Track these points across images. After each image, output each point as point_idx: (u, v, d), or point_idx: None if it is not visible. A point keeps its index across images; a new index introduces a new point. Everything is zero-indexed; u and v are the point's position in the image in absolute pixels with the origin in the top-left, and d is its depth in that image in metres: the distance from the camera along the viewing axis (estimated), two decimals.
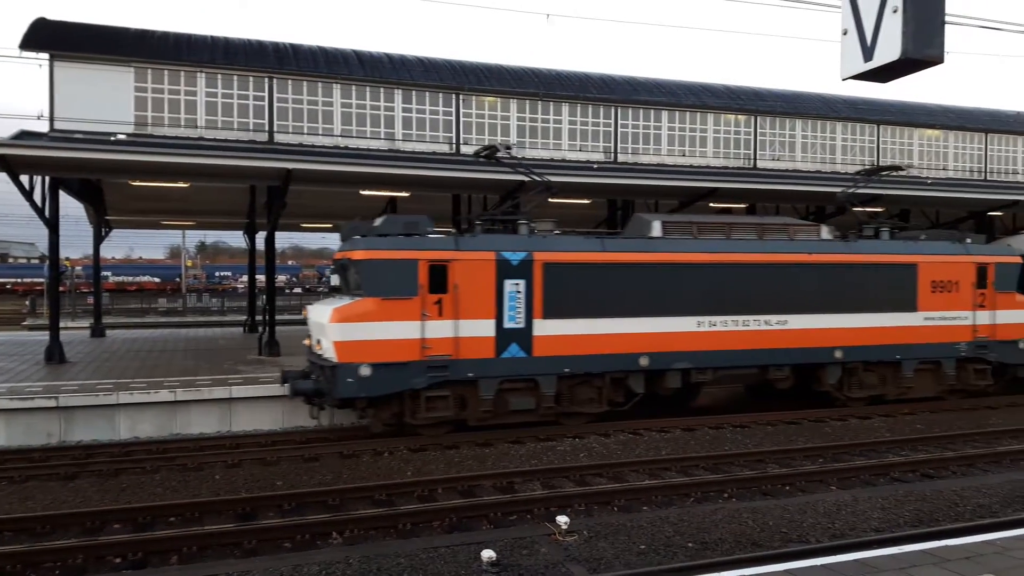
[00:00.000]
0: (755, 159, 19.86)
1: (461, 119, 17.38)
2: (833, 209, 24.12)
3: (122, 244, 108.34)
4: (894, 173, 18.06)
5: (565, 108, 18.19)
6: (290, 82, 16.24)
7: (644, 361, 15.10)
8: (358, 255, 13.60)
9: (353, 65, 17.03)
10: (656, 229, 15.60)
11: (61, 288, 14.79)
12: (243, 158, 15.87)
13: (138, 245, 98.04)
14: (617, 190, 20.41)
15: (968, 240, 18.20)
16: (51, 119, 16.37)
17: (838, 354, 16.54)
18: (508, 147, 15.04)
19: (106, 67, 15.95)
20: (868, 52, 3.97)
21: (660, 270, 15.18)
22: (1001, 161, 22.82)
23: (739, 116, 19.71)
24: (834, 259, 16.52)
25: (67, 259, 58.25)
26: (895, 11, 3.78)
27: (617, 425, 15.48)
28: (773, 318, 15.95)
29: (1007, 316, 18.15)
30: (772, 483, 11.86)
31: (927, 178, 21.62)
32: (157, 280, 71.43)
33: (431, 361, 13.70)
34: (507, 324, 14.20)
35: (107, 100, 16.03)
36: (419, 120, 17.09)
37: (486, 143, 17.51)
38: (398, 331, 13.47)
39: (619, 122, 18.68)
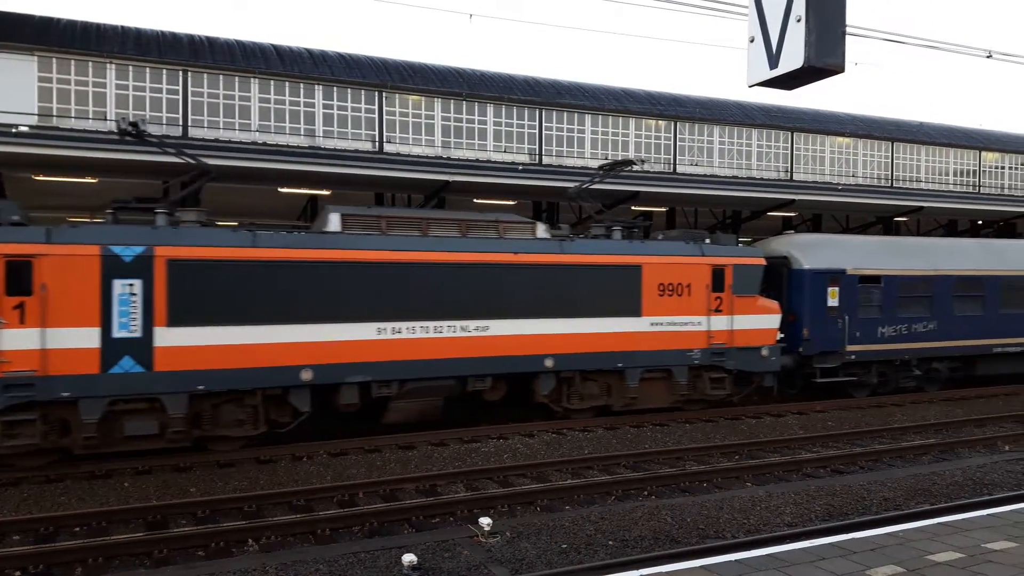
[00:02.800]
0: (675, 164, 20.30)
1: (384, 117, 17.19)
2: (748, 213, 24.87)
3: None
4: (627, 169, 16.99)
5: (490, 109, 18.21)
6: (206, 75, 15.76)
7: (307, 375, 13.23)
8: None
9: (272, 59, 16.65)
10: (334, 223, 13.83)
11: None
12: (155, 153, 15.34)
13: None
14: (542, 192, 20.54)
15: (707, 240, 17.11)
16: None
17: (549, 363, 15.14)
18: (134, 123, 12.80)
19: (6, 55, 15.17)
20: (774, 60, 4.08)
21: (332, 270, 13.44)
22: (906, 169, 23.92)
23: (659, 121, 20.11)
24: (546, 260, 15.12)
25: None
26: (799, 20, 3.90)
27: (541, 425, 15.57)
28: (472, 324, 14.44)
29: (747, 321, 17.03)
30: (690, 480, 12.12)
31: (838, 184, 22.50)
32: None
33: (8, 378, 11.46)
34: (117, 333, 12.05)
35: (7, 90, 15.26)
36: (340, 117, 16.83)
37: (410, 141, 17.41)
38: None
39: (543, 124, 18.82)
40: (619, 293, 15.73)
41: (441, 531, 9.66)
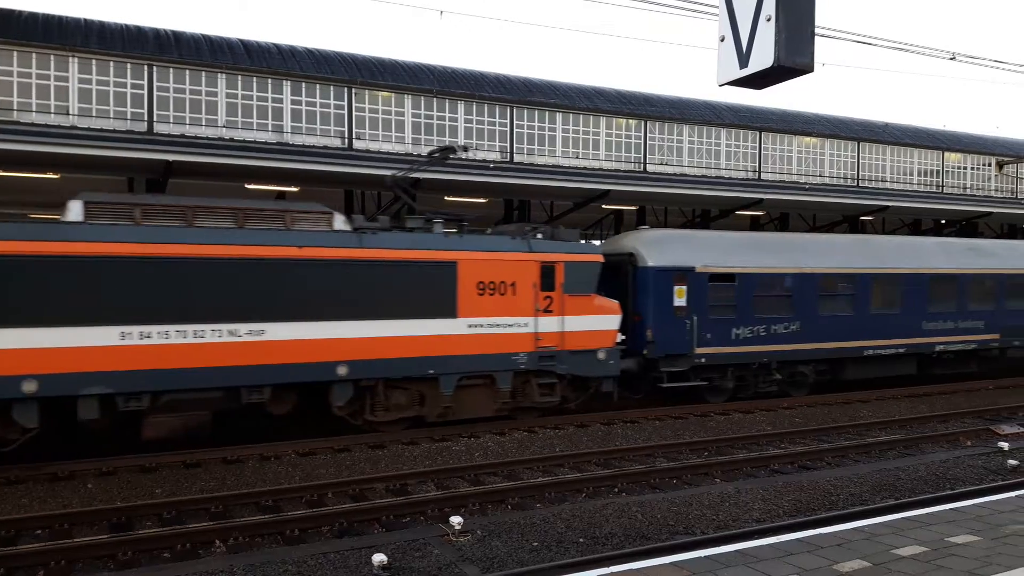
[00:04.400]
0: (645, 163, 20.41)
1: (354, 113, 17.05)
2: (716, 213, 25.09)
3: None
4: (454, 156, 15.78)
5: (461, 106, 18.16)
6: (171, 70, 15.51)
7: (31, 387, 11.46)
8: None
9: (239, 54, 16.43)
10: (75, 211, 12.08)
11: None
12: (119, 148, 15.07)
13: None
14: (513, 190, 20.53)
15: (539, 235, 15.74)
16: None
17: (342, 370, 13.56)
18: None
19: None
20: (744, 59, 4.11)
21: (63, 266, 11.70)
22: (872, 169, 24.29)
23: (630, 120, 20.20)
24: (341, 255, 13.57)
25: None
26: (769, 20, 3.92)
27: (513, 424, 15.57)
28: (244, 328, 12.74)
29: (581, 322, 15.76)
30: (660, 477, 12.20)
31: (805, 184, 22.79)
32: None
33: None
34: None
35: None
36: (309, 113, 16.66)
37: (380, 138, 17.28)
38: None
39: (515, 122, 18.81)
40: (430, 292, 14.28)
41: (411, 530, 9.61)
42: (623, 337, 16.38)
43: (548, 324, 15.43)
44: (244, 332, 12.84)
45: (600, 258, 16.12)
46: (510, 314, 15.06)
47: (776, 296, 18.51)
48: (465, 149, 15.50)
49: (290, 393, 13.65)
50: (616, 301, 16.38)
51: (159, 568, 8.39)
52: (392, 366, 14.06)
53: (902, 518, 8.05)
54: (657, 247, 17.55)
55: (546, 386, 15.74)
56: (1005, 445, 13.92)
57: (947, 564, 6.56)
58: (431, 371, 14.39)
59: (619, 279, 17.67)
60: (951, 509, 8.40)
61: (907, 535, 7.39)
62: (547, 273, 15.44)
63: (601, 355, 15.97)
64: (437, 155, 15.69)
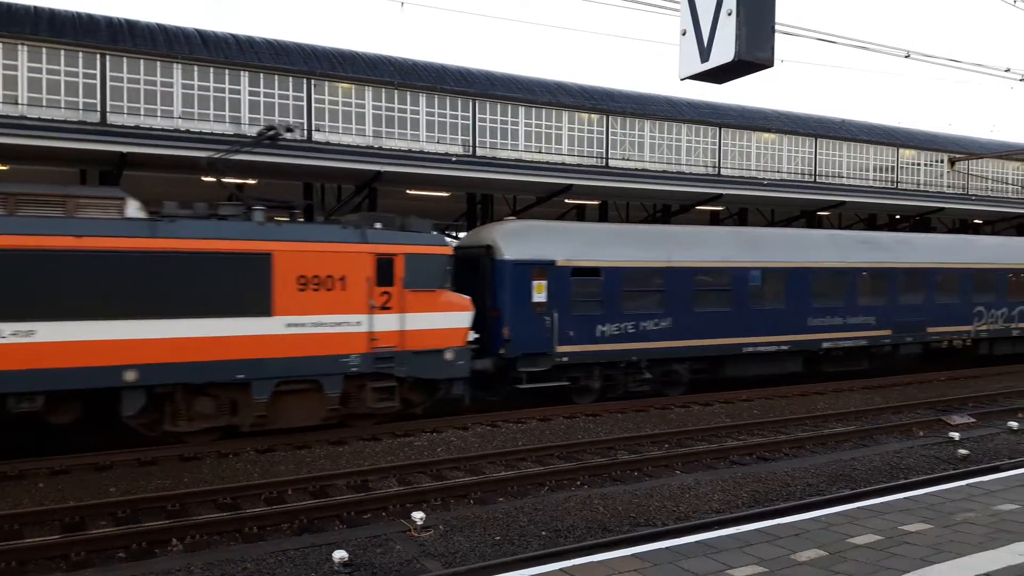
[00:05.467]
0: (607, 158, 20.49)
1: (313, 105, 16.83)
2: (677, 208, 25.32)
3: None
4: (281, 138, 14.33)
5: (422, 98, 18.02)
6: (125, 60, 15.12)
7: None
8: None
9: (195, 44, 16.10)
10: None
11: None
12: (71, 140, 14.67)
13: None
14: (476, 184, 20.46)
15: (377, 225, 14.31)
16: None
17: (131, 375, 12.04)
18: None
19: None
20: (705, 53, 4.13)
21: None
22: (829, 165, 24.69)
23: (592, 115, 20.25)
24: (130, 245, 12.07)
25: None
26: (730, 14, 3.94)
27: (475, 418, 15.54)
28: (8, 327, 11.33)
29: (425, 320, 14.44)
30: (622, 469, 12.29)
31: (764, 179, 23.08)
32: None
33: None
34: None
35: None
36: (267, 105, 16.38)
37: (340, 130, 17.08)
38: None
39: (477, 116, 18.73)
40: (239, 287, 12.81)
41: (373, 526, 9.57)
42: (476, 336, 15.23)
43: (385, 323, 14.05)
44: (8, 333, 11.35)
45: (448, 250, 14.96)
46: (339, 312, 13.63)
47: (646, 291, 17.63)
48: (290, 130, 13.87)
49: (71, 401, 12.14)
50: (468, 297, 15.24)
51: (114, 568, 8.23)
52: (192, 371, 12.53)
53: (857, 507, 8.20)
54: (515, 239, 16.59)
55: (384, 390, 14.27)
56: (956, 435, 14.28)
57: (900, 552, 6.70)
58: (240, 376, 12.85)
59: (478, 274, 16.78)
60: (904, 498, 8.59)
61: (862, 524, 7.54)
62: (384, 266, 14.07)
63: (449, 356, 14.69)
64: (267, 136, 14.10)
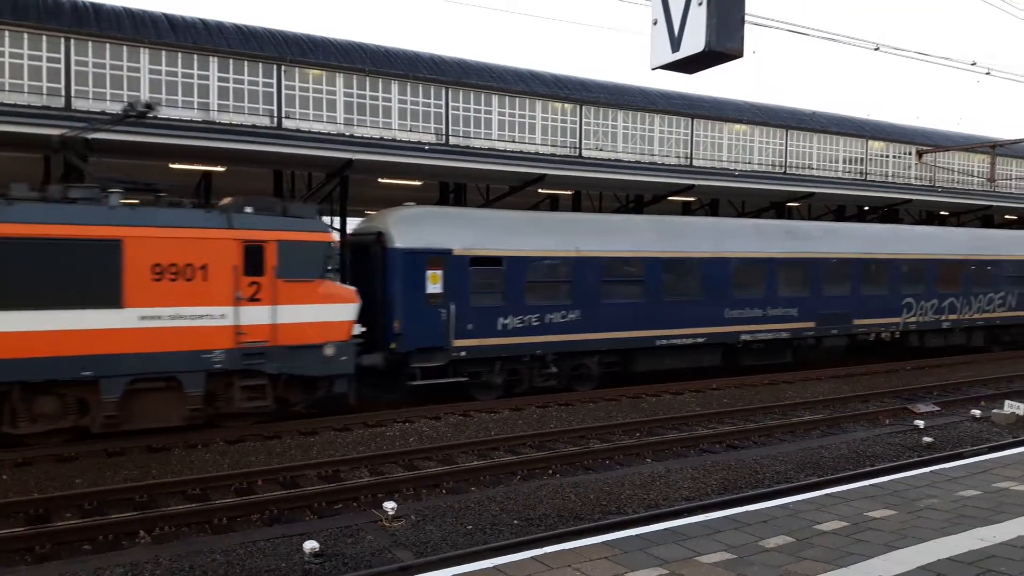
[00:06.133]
0: (580, 148, 20.49)
1: (284, 92, 16.62)
2: (650, 198, 25.42)
3: None
4: (149, 117, 12.90)
5: (394, 86, 17.87)
6: (90, 44, 14.80)
7: None
8: None
9: (163, 29, 15.80)
10: None
11: None
12: (35, 125, 14.36)
13: None
14: (448, 173, 20.36)
15: (247, 209, 13.30)
16: None
17: None
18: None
19: None
20: (676, 43, 4.13)
21: None
22: (799, 156, 24.92)
23: (566, 104, 20.24)
24: None
25: None
26: (700, 4, 3.95)
27: (447, 408, 15.53)
28: None
29: (301, 313, 13.43)
30: (593, 458, 12.36)
31: (735, 170, 23.25)
32: None
33: None
34: None
35: None
36: (237, 91, 16.14)
37: (310, 117, 16.89)
38: None
39: (450, 104, 18.62)
40: (86, 276, 11.79)
41: (344, 517, 9.54)
42: (364, 330, 14.27)
43: (254, 315, 13.01)
44: None
45: (328, 237, 13.96)
46: (200, 303, 12.58)
47: (553, 282, 16.94)
48: (149, 107, 12.54)
49: None
50: (352, 288, 14.31)
51: (80, 560, 8.13)
52: (30, 367, 11.48)
53: (824, 495, 8.32)
54: (409, 226, 15.70)
55: (254, 388, 13.30)
56: (920, 423, 14.55)
57: (866, 538, 6.82)
58: (87, 372, 11.82)
59: (370, 263, 16.02)
60: (870, 485, 8.73)
61: (829, 511, 7.66)
62: (253, 254, 13.02)
63: (330, 351, 13.64)
64: (130, 115, 12.75)
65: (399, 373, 15.71)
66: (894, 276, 22.73)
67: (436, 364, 15.70)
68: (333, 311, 13.80)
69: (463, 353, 15.89)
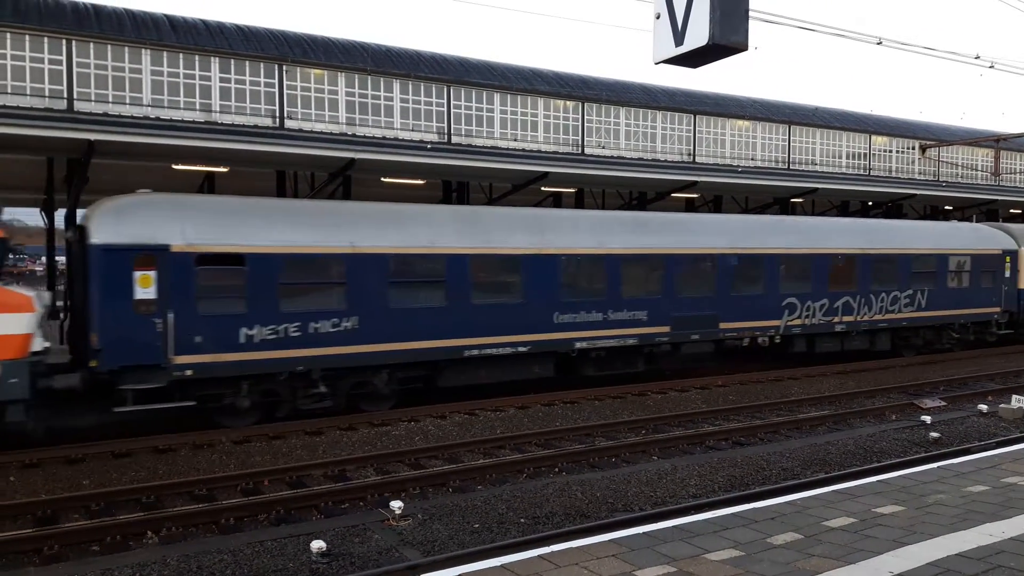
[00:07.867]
0: (583, 145, 20.46)
1: (285, 92, 16.62)
2: (653, 195, 25.37)
3: None
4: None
5: (396, 85, 17.85)
6: (92, 45, 14.82)
7: None
8: None
9: (164, 30, 15.80)
10: None
11: None
12: (38, 127, 14.37)
13: None
14: (451, 172, 20.34)
15: None
16: None
17: None
18: None
19: None
20: (679, 37, 4.11)
21: None
22: (802, 151, 24.85)
23: (568, 102, 20.20)
24: None
25: None
26: None
27: (453, 407, 15.51)
28: None
29: None
30: (599, 456, 12.34)
31: (738, 166, 23.19)
32: None
33: None
34: None
35: None
36: (239, 91, 16.14)
37: (312, 117, 16.88)
38: None
39: (452, 103, 18.60)
40: None
41: (351, 516, 9.53)
42: (47, 345, 11.93)
43: None
44: None
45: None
46: None
47: (319, 284, 14.24)
48: None
49: None
50: (29, 294, 11.69)
51: (88, 561, 8.14)
52: None
53: (832, 491, 8.29)
54: (114, 217, 12.92)
55: None
56: (927, 418, 14.50)
57: (874, 534, 6.79)
58: None
59: (76, 264, 13.73)
60: (878, 481, 8.69)
61: (837, 507, 7.63)
62: None
63: (13, 379, 11.02)
64: None
65: (110, 396, 12.97)
66: (772, 273, 19.83)
67: (152, 386, 12.86)
68: None
69: (189, 372, 13.04)
